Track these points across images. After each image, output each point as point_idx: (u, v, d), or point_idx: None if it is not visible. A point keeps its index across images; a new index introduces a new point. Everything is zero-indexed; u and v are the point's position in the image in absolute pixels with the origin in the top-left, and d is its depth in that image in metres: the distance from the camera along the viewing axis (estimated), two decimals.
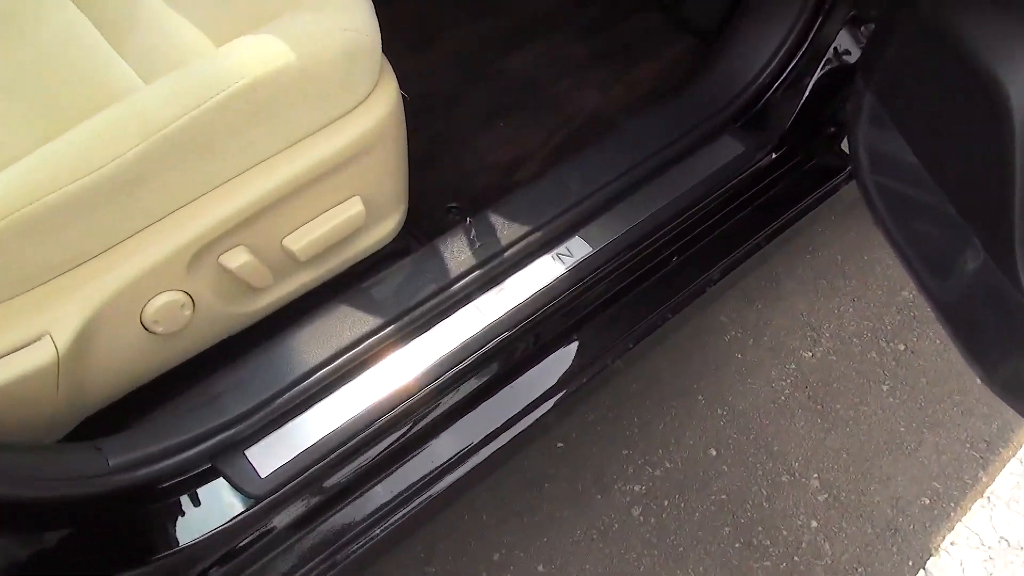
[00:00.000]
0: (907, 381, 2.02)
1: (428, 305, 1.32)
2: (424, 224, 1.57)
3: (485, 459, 1.36)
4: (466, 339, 1.33)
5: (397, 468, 1.28)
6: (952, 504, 1.87)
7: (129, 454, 1.10)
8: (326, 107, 1.20)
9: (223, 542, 1.14)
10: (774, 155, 1.63)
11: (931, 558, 1.80)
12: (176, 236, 1.12)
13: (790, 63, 1.59)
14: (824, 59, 1.55)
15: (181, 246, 1.12)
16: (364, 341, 1.27)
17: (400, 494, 1.25)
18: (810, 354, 2.06)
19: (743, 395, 1.98)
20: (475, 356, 1.34)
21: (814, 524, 1.82)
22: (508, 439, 1.37)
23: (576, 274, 1.42)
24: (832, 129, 1.75)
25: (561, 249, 1.44)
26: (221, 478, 1.16)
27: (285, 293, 1.31)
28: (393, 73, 1.30)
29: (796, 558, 1.78)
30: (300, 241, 1.25)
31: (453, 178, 1.68)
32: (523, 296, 1.38)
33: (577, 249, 1.44)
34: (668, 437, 1.91)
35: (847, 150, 1.75)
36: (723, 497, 1.84)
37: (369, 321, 1.28)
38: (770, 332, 2.09)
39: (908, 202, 1.29)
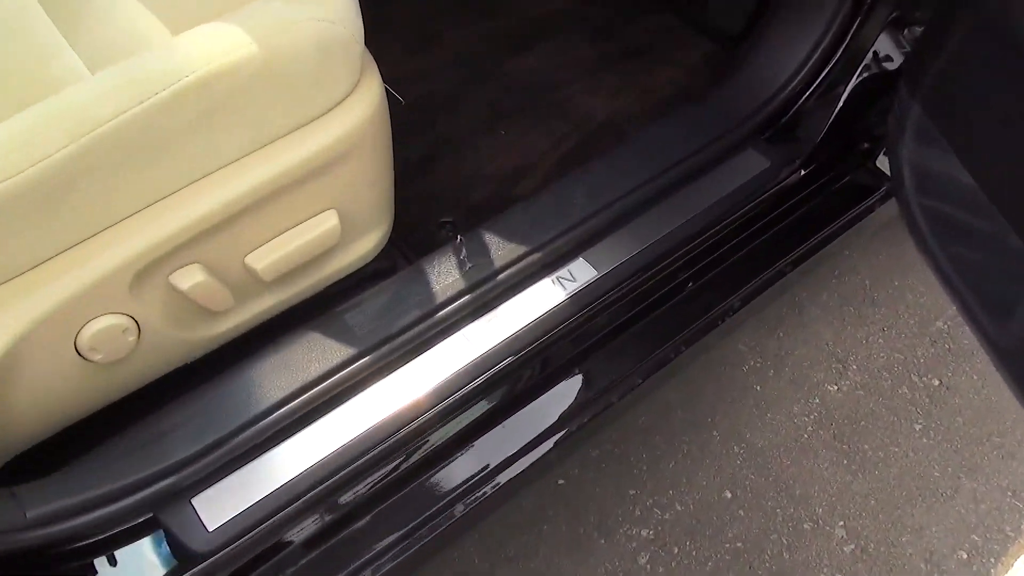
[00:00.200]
0: (942, 420, 1.84)
1: (410, 334, 1.16)
2: (413, 241, 1.41)
3: (473, 507, 1.19)
4: (453, 372, 1.17)
5: (370, 519, 1.12)
6: (992, 559, 1.68)
7: (52, 503, 0.94)
8: (296, 107, 1.04)
9: None
10: (803, 172, 1.46)
11: None
12: (117, 251, 0.96)
13: (823, 69, 1.41)
14: (862, 65, 1.38)
15: (123, 263, 0.97)
16: (336, 374, 1.11)
17: (373, 554, 1.08)
18: (835, 388, 1.88)
19: (762, 432, 1.81)
20: (463, 392, 1.18)
21: None
22: (500, 484, 1.21)
23: (579, 301, 1.25)
24: (866, 145, 1.58)
25: (563, 272, 1.27)
26: (162, 532, 1.00)
27: (247, 318, 1.15)
28: (377, 71, 1.14)
29: None
30: (265, 259, 1.09)
31: (448, 189, 1.52)
32: (519, 325, 1.22)
33: (580, 273, 1.27)
34: (679, 476, 1.74)
35: (883, 167, 1.58)
36: (739, 545, 1.66)
37: (342, 351, 1.12)
38: (792, 363, 1.91)
39: (961, 229, 1.12)
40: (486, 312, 1.22)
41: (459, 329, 1.20)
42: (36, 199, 0.88)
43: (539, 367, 1.25)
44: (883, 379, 1.90)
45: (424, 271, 1.22)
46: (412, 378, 1.16)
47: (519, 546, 1.62)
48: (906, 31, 1.37)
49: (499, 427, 1.22)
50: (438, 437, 1.18)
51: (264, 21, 0.98)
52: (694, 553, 1.64)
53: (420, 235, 1.44)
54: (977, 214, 1.06)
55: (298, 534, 1.06)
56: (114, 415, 1.08)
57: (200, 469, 1.02)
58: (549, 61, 1.76)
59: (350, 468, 1.08)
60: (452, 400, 1.17)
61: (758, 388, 1.87)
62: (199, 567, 0.97)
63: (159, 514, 1.01)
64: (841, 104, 1.40)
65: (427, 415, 1.15)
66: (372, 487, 1.12)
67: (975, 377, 1.91)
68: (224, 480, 1.04)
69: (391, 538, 1.13)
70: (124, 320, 1.01)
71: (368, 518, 1.11)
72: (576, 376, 1.29)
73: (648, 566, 1.62)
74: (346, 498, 1.09)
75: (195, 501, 1.02)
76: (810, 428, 1.82)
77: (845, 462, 1.77)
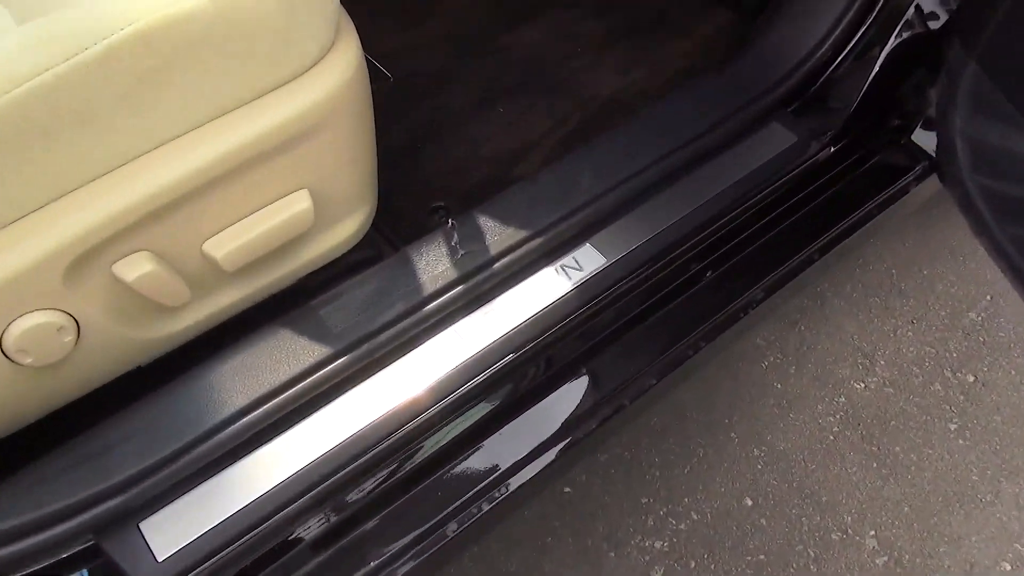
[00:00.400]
0: (978, 419, 1.68)
1: (394, 330, 1.01)
2: (401, 229, 1.26)
3: (469, 525, 1.04)
4: (444, 374, 1.02)
5: (349, 543, 0.96)
6: None
7: None
8: (258, 71, 0.88)
9: None
10: (833, 148, 1.30)
11: None
12: (46, 237, 0.81)
13: (858, 30, 1.25)
14: (901, 24, 1.21)
15: (53, 250, 0.81)
16: (309, 377, 0.96)
17: None
18: (862, 385, 1.72)
19: (784, 433, 1.65)
20: (456, 395, 1.02)
21: None
22: (498, 499, 1.06)
23: (585, 292, 1.10)
24: (897, 121, 1.42)
25: (567, 260, 1.12)
26: (105, 561, 0.86)
27: (207, 315, 0.99)
28: (355, 32, 0.99)
29: None
30: (226, 246, 0.94)
31: (440, 172, 1.37)
32: (518, 319, 1.06)
33: (587, 261, 1.12)
34: (695, 483, 1.58)
35: (919, 143, 1.41)
36: (761, 558, 1.50)
37: (315, 351, 0.97)
38: (815, 358, 1.75)
39: None
40: (481, 305, 1.07)
41: (451, 324, 1.05)
42: None
43: (542, 366, 1.10)
44: (913, 375, 1.74)
45: (411, 259, 1.06)
46: (397, 381, 1.00)
47: (521, 562, 1.47)
48: None
49: (497, 434, 1.06)
50: (427, 447, 1.03)
51: None
52: (712, 567, 1.49)
53: (409, 223, 1.28)
54: None
55: (263, 564, 0.91)
56: (51, 426, 0.93)
57: (150, 488, 0.87)
58: (551, 35, 1.60)
59: (324, 486, 0.93)
60: (443, 405, 1.01)
61: (778, 386, 1.72)
62: None
63: (101, 541, 0.86)
64: (877, 70, 1.24)
65: (414, 423, 1.00)
66: (350, 507, 0.97)
67: (1013, 372, 1.74)
68: (178, 501, 0.89)
69: (376, 562, 0.98)
70: (59, 317, 0.85)
71: (346, 541, 0.96)
72: (583, 376, 1.13)
73: None
74: (320, 521, 0.94)
75: (143, 526, 0.87)
76: (836, 429, 1.66)
77: (875, 465, 1.61)
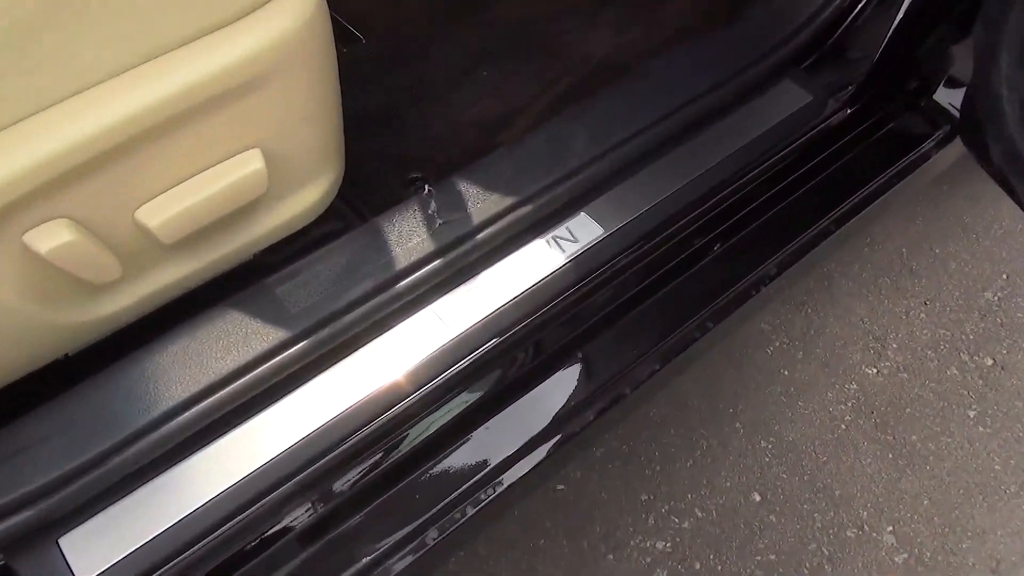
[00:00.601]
0: (999, 405, 1.55)
1: (362, 310, 0.87)
2: (373, 201, 1.12)
3: (451, 532, 0.90)
4: (420, 360, 0.88)
5: (311, 555, 0.82)
6: None
7: None
8: (197, 5, 0.74)
9: None
10: (850, 109, 1.17)
11: None
12: None
13: None
14: None
15: None
16: (260, 366, 0.82)
17: None
18: (874, 370, 1.59)
19: (792, 423, 1.52)
20: (434, 385, 0.89)
21: None
22: (484, 502, 0.92)
23: (580, 267, 0.96)
24: (917, 81, 1.29)
25: (559, 231, 0.98)
26: None
27: (143, 295, 0.84)
28: None
29: None
30: (162, 213, 0.79)
31: (417, 141, 1.23)
32: (504, 298, 0.93)
33: (582, 231, 0.98)
34: (698, 478, 1.45)
35: (943, 105, 1.28)
36: (771, 558, 1.37)
37: (269, 335, 0.83)
38: (823, 343, 1.62)
39: None
40: (462, 281, 0.93)
41: (428, 303, 0.91)
42: None
43: (531, 351, 0.96)
44: (928, 359, 1.61)
45: (382, 230, 0.92)
46: (365, 369, 0.86)
47: (511, 566, 1.33)
48: None
49: (481, 429, 0.93)
50: (403, 445, 0.89)
51: None
52: (719, 568, 1.36)
53: (382, 195, 1.14)
54: None
55: None
56: None
57: (72, 497, 0.73)
58: None
59: (281, 491, 0.79)
60: (419, 397, 0.88)
61: (785, 372, 1.59)
62: None
63: (12, 560, 0.72)
64: (898, 22, 1.11)
65: (386, 417, 0.86)
66: (311, 515, 0.83)
67: None
68: (105, 512, 0.75)
69: (345, 574, 0.85)
70: None
71: (307, 554, 0.82)
72: (577, 362, 1.00)
73: None
74: (273, 532, 0.80)
75: (63, 542, 0.73)
76: (848, 417, 1.53)
77: (891, 456, 1.49)
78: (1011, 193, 1.02)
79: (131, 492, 0.76)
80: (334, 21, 0.88)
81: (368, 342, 0.88)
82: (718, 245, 1.10)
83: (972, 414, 1.54)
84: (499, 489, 0.92)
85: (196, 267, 0.87)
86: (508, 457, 0.92)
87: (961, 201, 1.85)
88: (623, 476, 1.44)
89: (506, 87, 1.30)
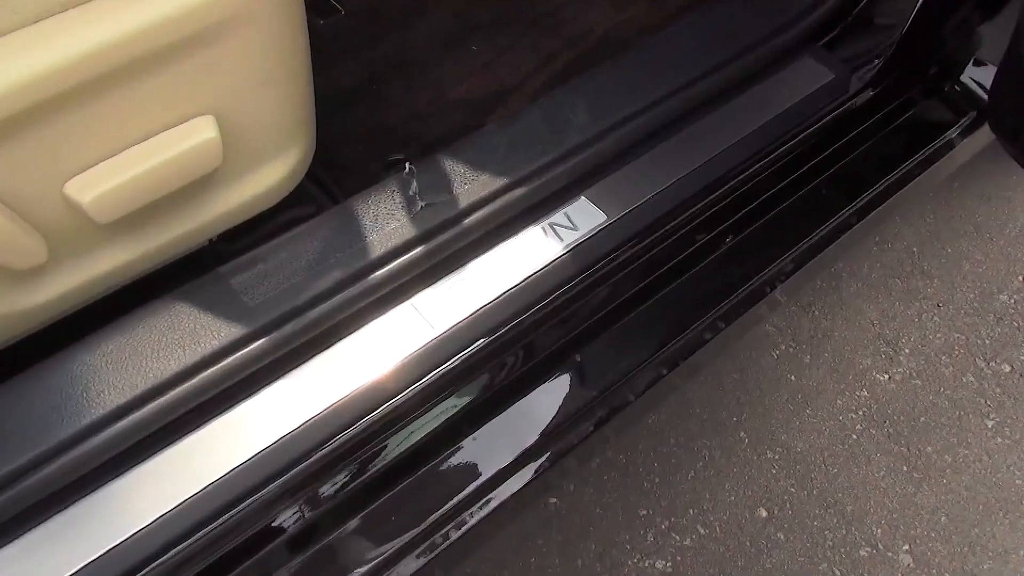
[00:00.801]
0: (1018, 414, 1.46)
1: (331, 305, 0.76)
2: (349, 185, 1.00)
3: (432, 558, 0.79)
4: (398, 363, 0.77)
5: None
6: None
7: None
8: None
9: None
10: (872, 91, 1.07)
11: None
12: None
13: None
14: None
15: None
16: (211, 367, 0.70)
17: None
18: (886, 376, 1.50)
19: (800, 432, 1.42)
20: (413, 391, 0.78)
21: None
22: (470, 524, 0.81)
23: (579, 258, 0.86)
24: (940, 65, 1.19)
25: (557, 218, 0.87)
26: None
27: (75, 284, 0.72)
28: None
29: None
30: (95, 188, 0.68)
31: (401, 120, 1.12)
32: (493, 292, 0.82)
33: (582, 218, 0.87)
34: (701, 491, 1.35)
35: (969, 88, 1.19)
36: None
37: (223, 332, 0.71)
38: (832, 347, 1.53)
39: None
40: (446, 274, 0.82)
41: (406, 298, 0.80)
42: None
43: (522, 354, 0.86)
44: (942, 365, 1.52)
45: (355, 213, 0.81)
46: (334, 372, 0.75)
47: None
48: None
49: (468, 440, 0.82)
50: (378, 459, 0.78)
51: None
52: None
53: (359, 178, 1.03)
54: None
55: None
56: None
57: None
58: None
59: (236, 512, 0.68)
60: (395, 404, 0.76)
61: (792, 378, 1.49)
62: None
63: None
64: None
65: (359, 427, 0.75)
66: (270, 542, 0.71)
67: None
68: (22, 539, 0.63)
69: None
70: None
71: None
72: (575, 367, 0.89)
73: None
74: (224, 560, 0.68)
75: None
76: (859, 427, 1.44)
77: (905, 469, 1.39)
78: None
79: (54, 515, 0.64)
80: None
81: (337, 341, 0.76)
82: (730, 237, 0.99)
83: (990, 424, 1.45)
84: (486, 510, 0.81)
85: (139, 253, 0.75)
86: (496, 473, 0.81)
87: (972, 199, 1.76)
88: (620, 489, 1.33)
89: (497, 64, 1.19)
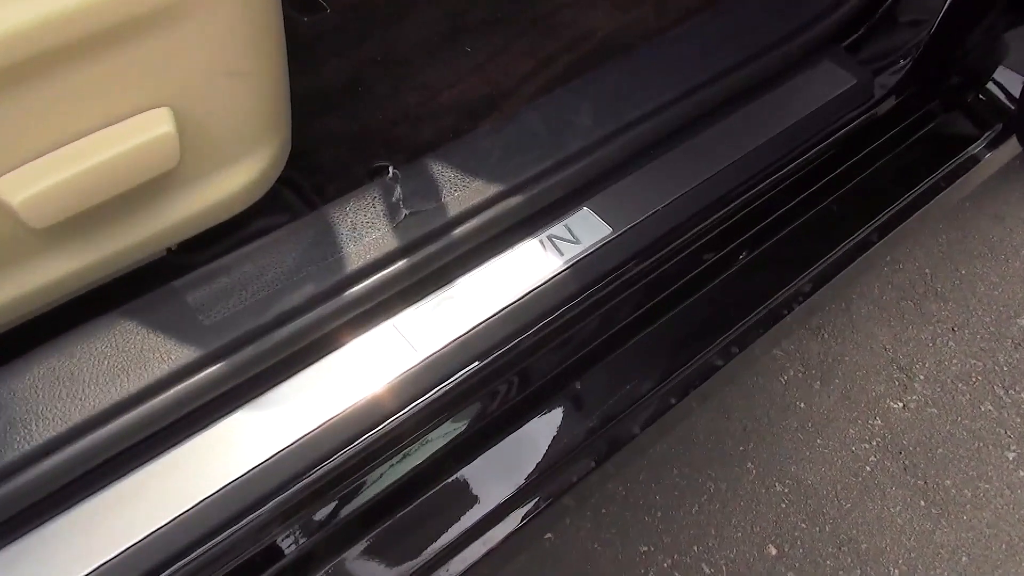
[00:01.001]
0: None
1: (298, 325, 0.67)
2: (329, 192, 0.92)
3: None
4: (376, 392, 0.68)
5: None
6: None
7: None
8: None
9: None
10: (897, 98, 0.99)
11: None
12: None
13: None
14: None
15: None
16: (155, 397, 0.61)
17: None
18: (900, 405, 1.41)
19: (810, 464, 1.33)
20: (393, 423, 0.68)
21: None
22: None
23: (580, 275, 0.77)
24: (959, 77, 1.12)
25: (556, 230, 0.79)
26: None
27: (7, 297, 0.63)
28: None
29: None
30: (29, 187, 0.59)
31: (387, 122, 1.03)
32: (485, 312, 0.73)
33: (584, 231, 0.79)
34: (705, 526, 1.25)
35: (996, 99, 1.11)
36: None
37: (172, 356, 0.62)
38: (843, 373, 1.44)
39: None
40: (433, 291, 0.73)
41: (387, 317, 0.71)
42: None
43: (516, 382, 0.76)
44: (959, 393, 1.44)
45: (330, 223, 0.72)
46: (302, 402, 0.66)
47: None
48: None
49: (454, 478, 0.73)
50: (350, 500, 0.68)
51: None
52: None
53: (341, 186, 0.94)
54: None
55: None
56: None
57: None
58: None
59: (189, 561, 0.58)
60: (373, 438, 0.67)
61: (802, 405, 1.40)
62: None
63: None
64: None
65: (329, 464, 0.66)
66: None
67: None
68: None
69: None
70: None
71: None
72: (574, 396, 0.80)
73: None
74: None
75: None
76: (873, 458, 1.35)
77: (922, 504, 1.30)
78: None
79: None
80: None
81: (305, 367, 0.67)
82: (744, 254, 0.91)
83: (1011, 456, 1.36)
84: (473, 555, 0.71)
85: (82, 264, 0.66)
86: (484, 517, 0.71)
87: (986, 219, 1.69)
88: (619, 524, 1.24)
89: (492, 66, 1.11)
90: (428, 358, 0.70)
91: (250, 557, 0.61)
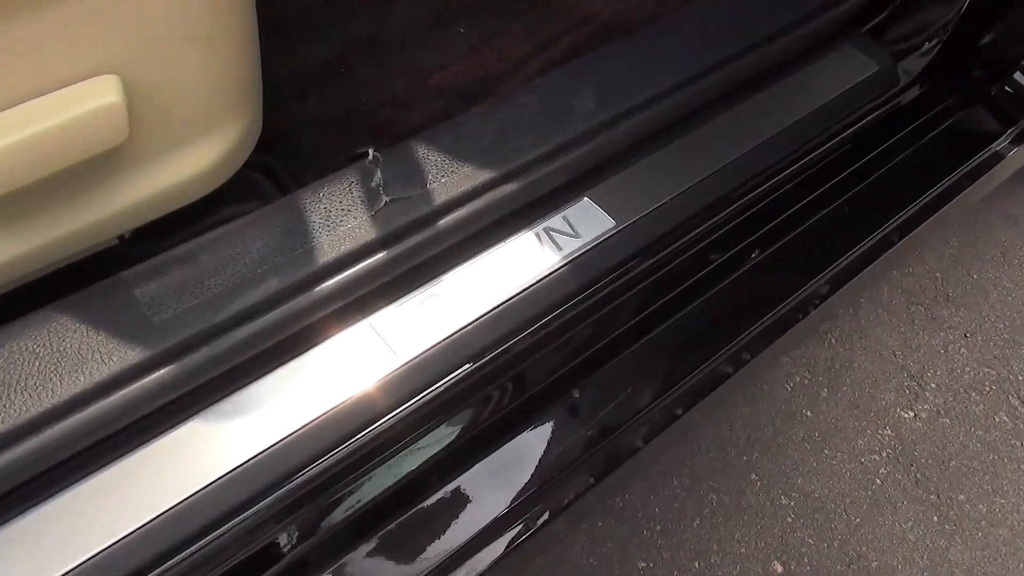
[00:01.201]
0: None
1: (263, 323, 0.59)
2: (306, 179, 0.84)
3: None
4: (351, 398, 0.60)
5: None
6: None
7: None
8: None
9: None
10: (921, 87, 0.92)
11: None
12: None
13: None
14: None
15: None
16: (95, 403, 0.53)
17: None
18: (911, 414, 1.34)
19: (817, 475, 1.26)
20: (368, 435, 0.61)
21: None
22: None
23: (580, 272, 0.69)
24: (984, 69, 1.04)
25: (554, 222, 0.71)
26: None
27: None
28: None
29: None
30: None
31: (373, 106, 0.95)
32: (474, 311, 0.65)
33: (585, 224, 0.71)
34: (707, 541, 1.18)
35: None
36: None
37: (116, 356, 0.54)
38: (851, 379, 1.37)
39: None
40: (415, 287, 0.65)
41: (364, 315, 0.63)
42: None
43: (508, 389, 0.69)
44: (972, 402, 1.36)
45: (300, 209, 0.64)
46: (264, 411, 0.58)
47: None
48: None
49: (436, 497, 0.65)
50: (320, 523, 0.60)
51: None
52: None
53: (321, 173, 0.85)
54: None
55: None
56: None
57: None
58: None
59: None
60: (344, 452, 0.59)
61: (808, 413, 1.33)
62: None
63: None
64: None
65: (298, 480, 0.58)
66: None
67: None
68: None
69: None
70: None
71: None
72: (571, 404, 0.72)
73: None
74: None
75: None
76: (883, 471, 1.27)
77: (935, 519, 1.23)
78: None
79: None
80: None
81: (268, 372, 0.59)
82: (756, 252, 0.83)
83: None
84: None
85: (19, 251, 0.58)
86: (470, 540, 0.63)
87: (997, 222, 1.62)
88: (616, 538, 1.16)
89: (487, 48, 1.03)
90: (409, 362, 0.62)
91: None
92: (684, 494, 1.22)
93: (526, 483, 0.67)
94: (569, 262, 0.69)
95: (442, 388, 0.63)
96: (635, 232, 0.71)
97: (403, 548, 0.63)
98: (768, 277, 0.83)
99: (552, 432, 0.70)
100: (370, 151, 0.68)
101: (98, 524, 0.50)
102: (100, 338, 0.54)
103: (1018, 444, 1.32)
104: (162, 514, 0.51)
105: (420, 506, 0.63)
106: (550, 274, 0.68)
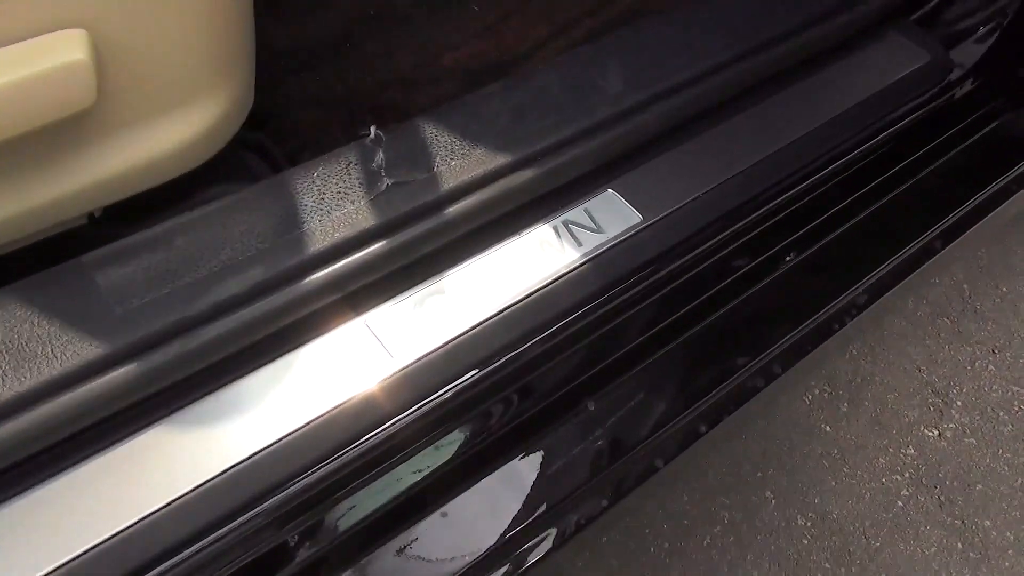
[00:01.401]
0: None
1: (241, 318, 0.52)
2: (303, 158, 0.77)
3: None
4: (342, 405, 0.53)
5: None
6: None
7: None
8: None
9: None
10: (974, 81, 0.84)
11: None
12: None
13: None
14: None
15: None
16: (42, 403, 0.46)
17: None
18: (935, 433, 1.27)
19: (836, 495, 1.19)
20: (360, 448, 0.53)
21: None
22: None
23: (601, 272, 0.62)
24: None
25: (574, 214, 0.64)
26: None
27: None
28: None
29: None
30: None
31: (378, 84, 0.89)
32: (482, 312, 0.58)
33: (608, 218, 0.64)
34: (718, 562, 1.11)
35: None
36: None
37: (70, 351, 0.47)
38: (873, 394, 1.30)
39: None
40: (416, 283, 0.58)
41: (358, 313, 0.56)
42: None
43: (515, 400, 0.61)
44: (1000, 422, 1.29)
45: (291, 192, 0.57)
46: (242, 418, 0.51)
47: None
48: None
49: (434, 516, 0.58)
50: (306, 542, 0.53)
51: None
52: None
53: (319, 153, 0.79)
54: None
55: None
56: None
57: None
58: None
59: None
60: (332, 466, 0.52)
61: (827, 429, 1.26)
62: None
63: None
64: None
65: (281, 496, 0.51)
66: None
67: None
68: None
69: None
70: None
71: None
72: (586, 418, 0.65)
73: None
74: None
75: None
76: (905, 492, 1.20)
77: (960, 546, 1.16)
78: None
79: None
80: None
81: (248, 373, 0.52)
82: (792, 255, 0.76)
83: None
84: None
85: None
86: (471, 566, 0.56)
87: None
88: (621, 556, 1.09)
89: (503, 28, 0.96)
90: (406, 367, 0.55)
91: None
92: (694, 510, 1.15)
93: (535, 504, 0.60)
94: (589, 260, 0.61)
95: (442, 397, 0.56)
96: (663, 229, 0.64)
97: (403, 571, 0.56)
98: (804, 283, 0.75)
99: (563, 449, 0.63)
100: (372, 128, 0.60)
101: (42, 545, 0.43)
102: (52, 329, 0.47)
103: None
104: (117, 534, 0.44)
105: (413, 530, 0.56)
106: (567, 273, 0.61)
